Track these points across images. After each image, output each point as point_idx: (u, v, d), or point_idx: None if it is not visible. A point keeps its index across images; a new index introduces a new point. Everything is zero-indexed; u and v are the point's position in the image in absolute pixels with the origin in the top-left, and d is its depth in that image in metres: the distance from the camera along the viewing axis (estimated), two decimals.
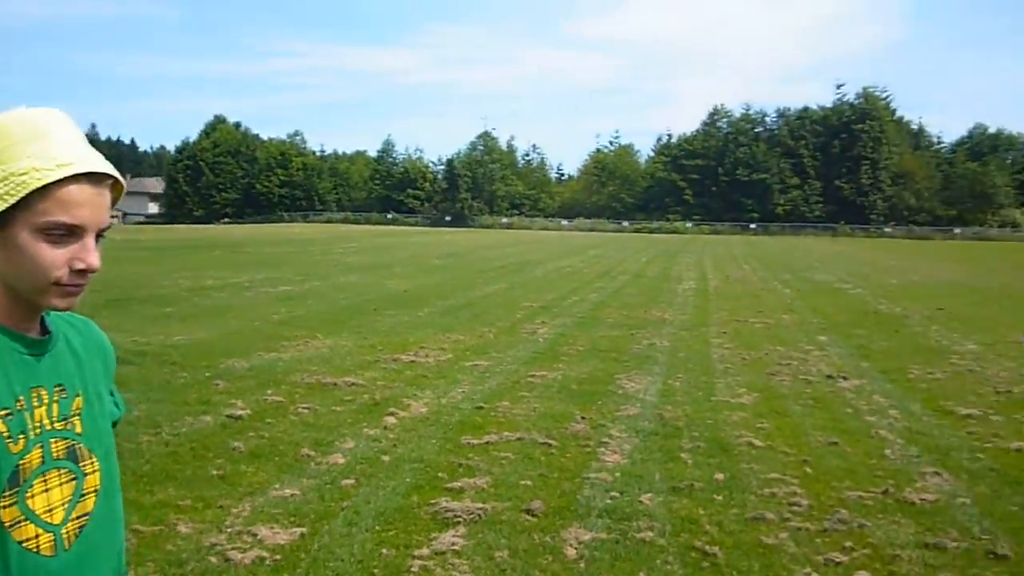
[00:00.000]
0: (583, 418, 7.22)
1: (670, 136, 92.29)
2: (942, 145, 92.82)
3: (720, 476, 5.74)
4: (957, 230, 75.92)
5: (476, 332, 12.01)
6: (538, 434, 6.69)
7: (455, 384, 8.53)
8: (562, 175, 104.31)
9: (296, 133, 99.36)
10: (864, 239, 69.49)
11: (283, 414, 7.20)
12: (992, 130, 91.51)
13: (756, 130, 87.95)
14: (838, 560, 4.43)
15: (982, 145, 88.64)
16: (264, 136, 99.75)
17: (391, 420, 7.03)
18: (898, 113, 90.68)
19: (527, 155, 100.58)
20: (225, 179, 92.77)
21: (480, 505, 5.06)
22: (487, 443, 6.42)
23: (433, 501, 5.13)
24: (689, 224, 78.85)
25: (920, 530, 4.86)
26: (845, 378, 9.19)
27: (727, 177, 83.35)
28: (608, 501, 5.21)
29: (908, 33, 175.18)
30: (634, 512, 5.04)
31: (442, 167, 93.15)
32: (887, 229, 77.74)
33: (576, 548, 4.53)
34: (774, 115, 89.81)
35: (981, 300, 18.30)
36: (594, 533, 4.72)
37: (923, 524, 4.95)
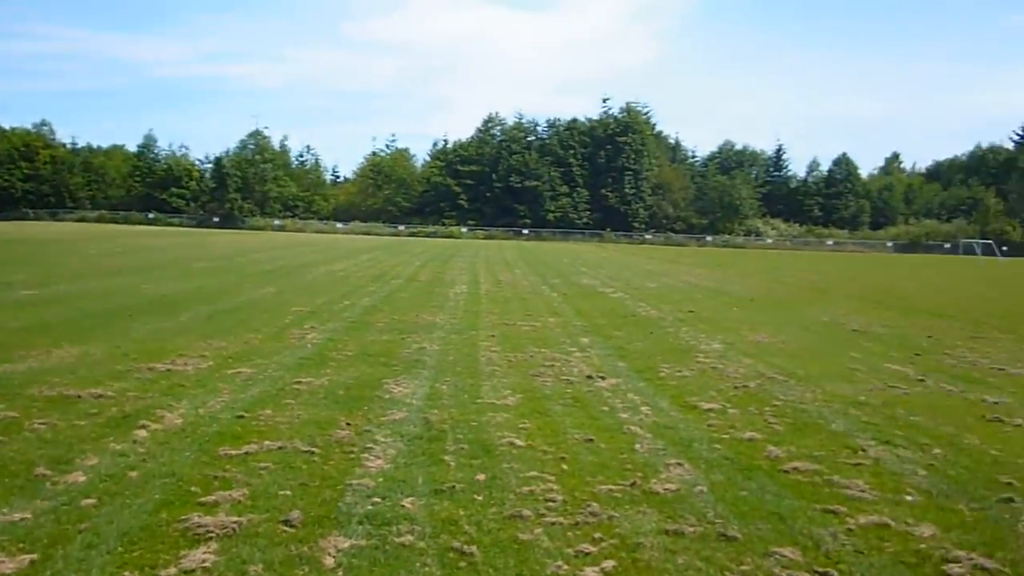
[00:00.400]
0: (348, 424, 7.13)
1: (446, 142, 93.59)
2: (696, 159, 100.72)
3: (481, 477, 5.86)
4: (709, 237, 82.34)
5: (241, 338, 11.55)
6: (301, 442, 6.53)
7: (215, 393, 8.16)
8: (337, 177, 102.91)
9: (43, 123, 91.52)
10: (627, 245, 73.75)
11: (16, 431, 6.59)
12: (739, 147, 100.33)
13: (528, 139, 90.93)
14: (588, 551, 4.65)
15: (730, 160, 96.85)
16: (5, 125, 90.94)
17: (142, 433, 6.61)
18: (658, 128, 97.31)
19: (301, 156, 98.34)
20: None
21: (235, 519, 4.87)
22: (246, 454, 6.19)
23: (184, 517, 4.88)
24: (464, 229, 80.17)
25: (662, 518, 5.20)
26: (603, 378, 9.68)
27: (501, 184, 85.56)
28: (369, 507, 5.18)
29: (668, 54, 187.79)
30: (395, 517, 5.04)
31: (210, 165, 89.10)
32: (648, 236, 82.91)
33: (334, 557, 4.46)
34: (545, 125, 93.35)
35: (726, 303, 19.91)
36: (354, 540, 4.68)
37: (665, 512, 5.30)
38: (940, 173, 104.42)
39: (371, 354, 10.73)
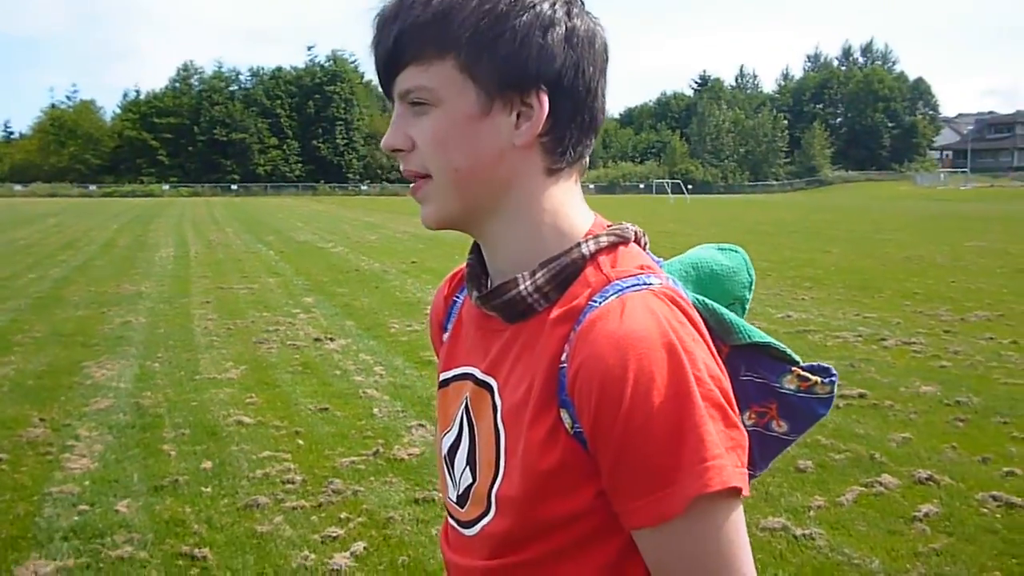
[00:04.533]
0: (42, 420, 6.20)
1: (138, 93, 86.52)
2: None
3: (208, 464, 5.30)
4: None
5: None
6: None
7: None
8: (11, 133, 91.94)
9: None
10: (344, 197, 72.53)
11: None
12: None
13: (231, 89, 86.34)
14: (335, 535, 4.31)
15: None
16: None
17: None
18: (366, 77, 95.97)
19: None
20: None
21: None
22: None
23: None
24: (166, 187, 74.89)
25: (410, 486, 4.96)
26: (332, 339, 9.26)
27: (204, 136, 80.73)
28: (76, 518, 4.47)
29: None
30: (108, 526, 4.38)
31: None
32: (364, 187, 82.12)
33: None
34: (248, 74, 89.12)
35: (449, 252, 20.00)
36: (59, 561, 4.00)
37: (412, 480, 5.07)
38: (632, 118, 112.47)
39: (65, 334, 9.51)
